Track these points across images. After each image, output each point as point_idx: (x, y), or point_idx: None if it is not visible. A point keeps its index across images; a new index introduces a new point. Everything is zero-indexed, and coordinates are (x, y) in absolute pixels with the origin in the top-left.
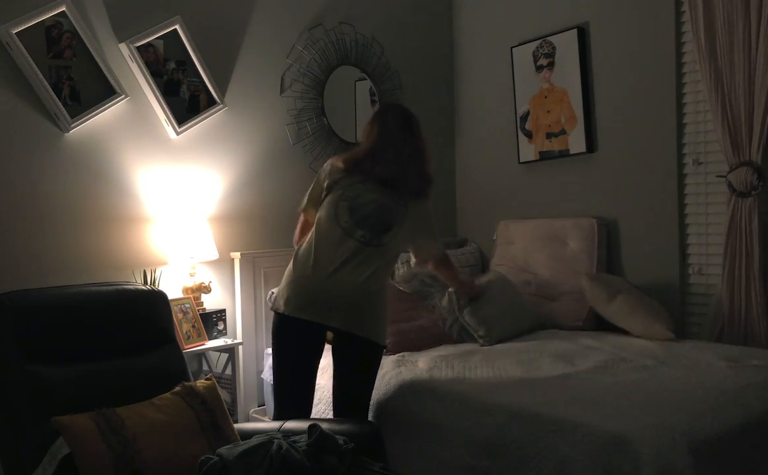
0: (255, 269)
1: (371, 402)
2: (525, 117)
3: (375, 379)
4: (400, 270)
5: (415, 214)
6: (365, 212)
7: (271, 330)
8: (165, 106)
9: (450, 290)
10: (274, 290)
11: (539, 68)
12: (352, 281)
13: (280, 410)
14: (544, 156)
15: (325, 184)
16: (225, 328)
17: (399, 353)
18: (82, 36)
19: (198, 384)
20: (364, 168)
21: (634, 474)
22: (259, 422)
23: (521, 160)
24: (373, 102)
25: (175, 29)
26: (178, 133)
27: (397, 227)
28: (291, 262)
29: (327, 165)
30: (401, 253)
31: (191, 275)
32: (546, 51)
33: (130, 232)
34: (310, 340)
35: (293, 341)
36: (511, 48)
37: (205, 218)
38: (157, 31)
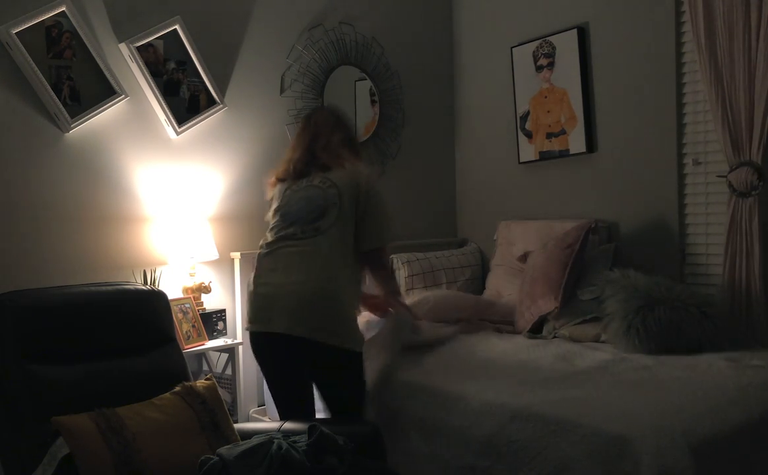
0: None
1: (371, 402)
2: (525, 117)
3: (359, 382)
4: None
5: (350, 191)
6: (295, 210)
7: None
8: (165, 106)
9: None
10: None
11: (539, 68)
12: (297, 284)
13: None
14: (544, 156)
15: (271, 205)
16: (225, 328)
17: None
18: (82, 36)
19: (198, 384)
20: (288, 171)
21: (634, 474)
22: (259, 422)
23: (521, 160)
24: (373, 102)
25: (175, 29)
26: (178, 133)
27: (333, 208)
28: None
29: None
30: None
31: (191, 275)
32: (546, 51)
33: (130, 232)
34: (278, 352)
35: (263, 356)
36: (511, 48)
37: (205, 218)
38: (157, 31)
